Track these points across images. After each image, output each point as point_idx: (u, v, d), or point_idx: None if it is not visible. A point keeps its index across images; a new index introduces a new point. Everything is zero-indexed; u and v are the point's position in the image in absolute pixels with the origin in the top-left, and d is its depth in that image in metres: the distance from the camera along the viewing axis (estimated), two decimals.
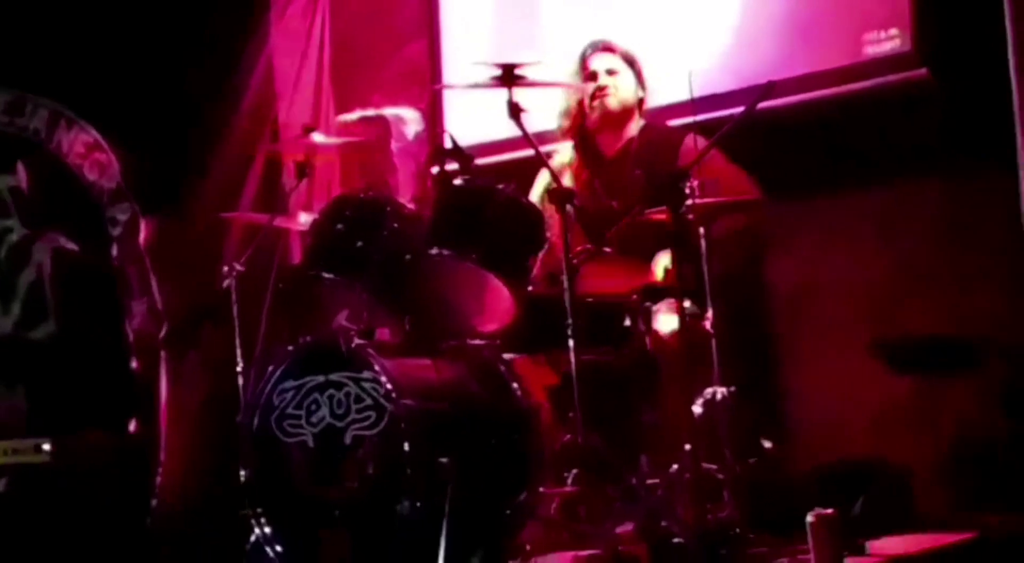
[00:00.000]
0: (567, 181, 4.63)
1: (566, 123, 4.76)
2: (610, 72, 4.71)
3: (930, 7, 4.61)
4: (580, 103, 4.72)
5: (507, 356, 4.15)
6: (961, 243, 4.61)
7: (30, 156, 6.09)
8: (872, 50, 4.73)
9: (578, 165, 4.75)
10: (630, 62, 4.72)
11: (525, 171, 4.73)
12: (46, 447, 4.97)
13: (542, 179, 4.73)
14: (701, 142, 4.18)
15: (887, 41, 4.70)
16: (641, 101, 4.74)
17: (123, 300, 5.97)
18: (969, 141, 4.53)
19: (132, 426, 5.80)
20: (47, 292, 6.02)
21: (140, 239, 5.97)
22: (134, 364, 5.89)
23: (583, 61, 4.72)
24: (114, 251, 6.04)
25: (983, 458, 4.42)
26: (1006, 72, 4.12)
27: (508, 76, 3.96)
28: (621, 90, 4.71)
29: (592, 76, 4.69)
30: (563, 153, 4.80)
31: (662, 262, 4.37)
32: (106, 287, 5.97)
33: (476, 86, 4.04)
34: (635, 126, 4.73)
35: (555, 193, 4.04)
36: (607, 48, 4.73)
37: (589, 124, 4.73)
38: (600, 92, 4.68)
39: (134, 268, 6.00)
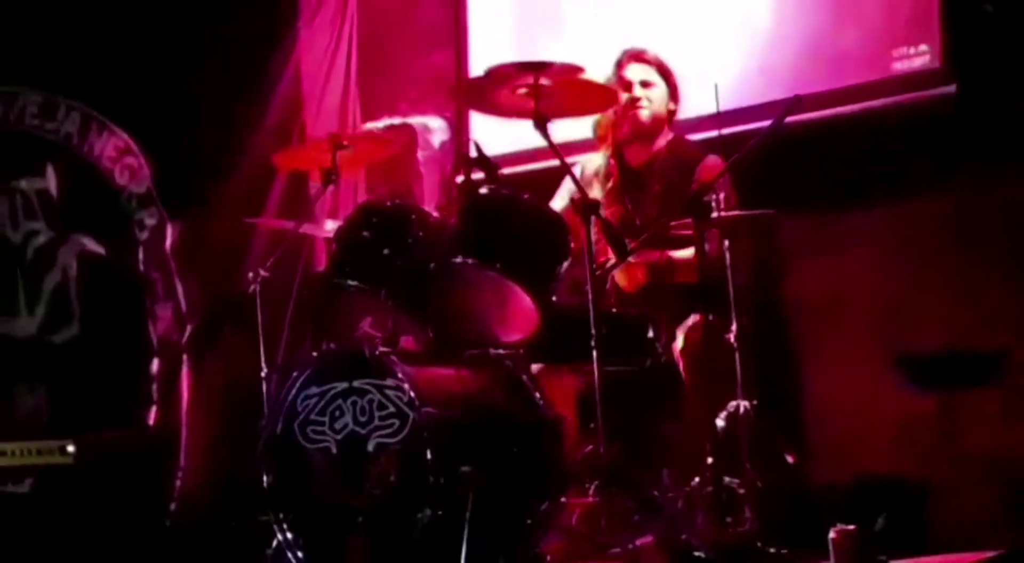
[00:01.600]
0: (596, 191, 4.63)
1: (600, 132, 4.74)
2: (645, 84, 4.69)
3: (960, 24, 4.60)
4: (615, 112, 4.70)
5: (532, 366, 4.15)
6: (983, 257, 4.60)
7: (60, 159, 6.12)
8: (901, 66, 4.73)
9: (607, 174, 4.74)
10: (665, 74, 4.70)
11: (551, 181, 4.74)
12: (70, 449, 4.99)
13: (565, 186, 4.73)
14: (721, 162, 4.19)
15: (916, 57, 4.69)
16: (672, 113, 4.73)
17: (148, 304, 5.99)
18: (993, 157, 4.52)
19: (153, 429, 5.82)
20: (72, 295, 6.05)
21: (167, 244, 6.00)
22: (155, 367, 5.91)
23: (618, 68, 4.70)
24: (140, 255, 6.06)
25: (1006, 473, 4.40)
26: None
27: (535, 85, 3.96)
28: (655, 103, 4.69)
29: (627, 86, 4.68)
30: (594, 161, 4.79)
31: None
32: (131, 291, 6.00)
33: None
34: (664, 139, 4.73)
35: (579, 204, 4.05)
36: (642, 58, 4.70)
37: (619, 135, 4.72)
38: (634, 104, 4.67)
39: (160, 273, 6.02)
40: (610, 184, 4.71)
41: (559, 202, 4.72)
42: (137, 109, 6.06)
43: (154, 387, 5.92)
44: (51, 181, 6.12)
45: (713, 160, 4.46)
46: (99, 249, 6.06)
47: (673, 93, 4.71)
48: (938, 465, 4.45)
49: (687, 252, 4.31)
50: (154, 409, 5.88)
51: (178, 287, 5.95)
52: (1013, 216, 4.48)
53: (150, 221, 6.07)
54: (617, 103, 4.57)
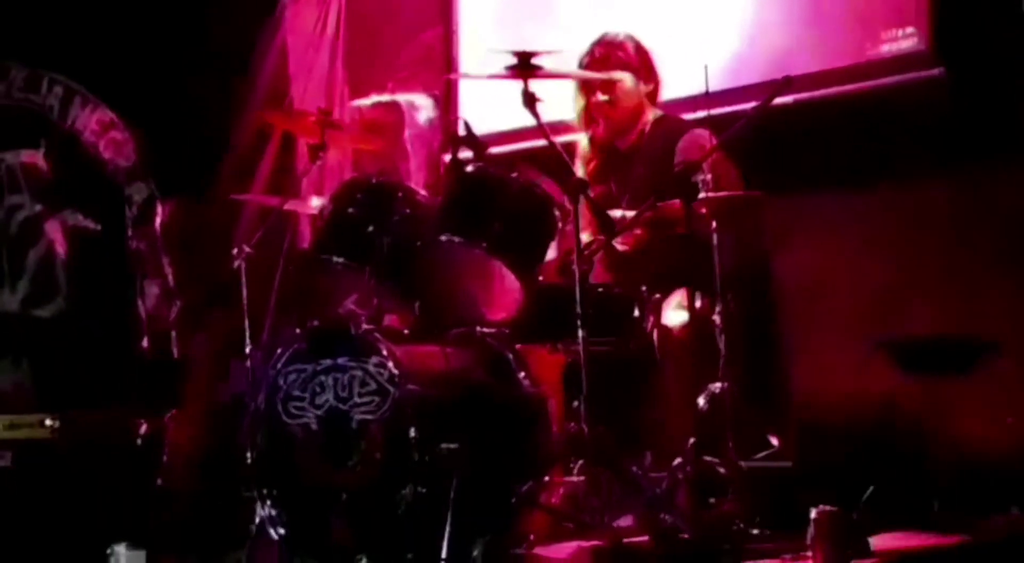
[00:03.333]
0: (580, 171, 4.62)
1: (580, 124, 4.71)
2: (605, 89, 4.60)
3: (947, 6, 4.60)
4: (589, 105, 4.65)
5: (517, 345, 4.15)
6: (970, 242, 4.60)
7: (47, 132, 6.10)
8: (888, 48, 4.72)
9: (591, 157, 4.73)
10: (626, 63, 4.62)
11: (540, 160, 4.73)
12: (48, 422, 4.97)
13: (579, 159, 4.72)
14: (712, 137, 4.17)
15: (904, 39, 4.69)
16: (651, 93, 4.70)
17: (137, 280, 5.98)
18: (981, 140, 4.52)
19: (137, 405, 5.80)
20: (57, 270, 6.03)
21: (157, 221, 5.98)
22: (144, 344, 5.90)
23: (583, 69, 4.63)
24: (129, 231, 6.04)
25: (988, 458, 4.41)
26: (1022, 72, 4.11)
27: (523, 65, 3.95)
28: (622, 100, 4.62)
29: (591, 92, 4.63)
30: (583, 143, 4.77)
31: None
32: (121, 267, 5.98)
33: (491, 77, 4.02)
34: (651, 116, 4.70)
35: (568, 183, 4.04)
36: (599, 57, 4.61)
37: (597, 132, 4.69)
38: (598, 112, 4.63)
39: (148, 249, 6.00)
40: (591, 166, 4.70)
41: (579, 171, 4.71)
42: (122, 85, 6.03)
43: (141, 363, 5.91)
44: (40, 154, 6.09)
45: (696, 134, 4.44)
46: (89, 224, 6.04)
47: (644, 75, 4.65)
48: (923, 449, 4.45)
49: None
50: (140, 385, 5.86)
51: (166, 264, 5.93)
52: (1002, 201, 4.48)
53: (138, 197, 6.05)
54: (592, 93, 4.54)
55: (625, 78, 4.61)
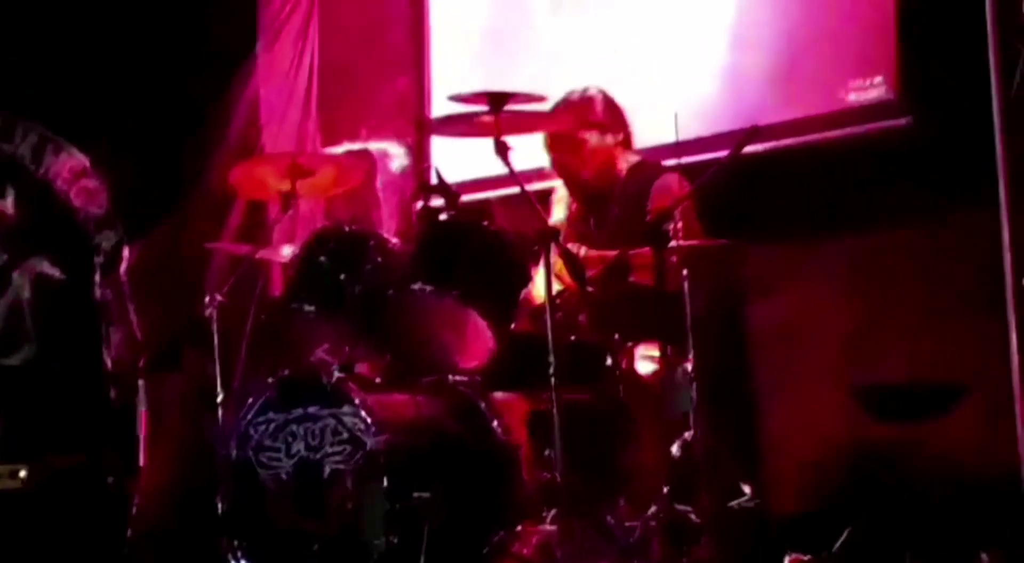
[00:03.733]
0: (562, 212, 4.61)
1: (554, 172, 4.74)
2: (572, 149, 4.62)
3: (915, 56, 4.65)
4: (557, 163, 4.67)
5: (490, 393, 4.15)
6: (940, 289, 4.63)
7: (17, 181, 6.07)
8: (856, 97, 4.77)
9: (571, 200, 4.74)
10: (592, 121, 4.63)
11: (512, 208, 4.74)
12: (22, 474, 4.93)
13: (559, 198, 4.73)
14: (683, 182, 4.19)
15: (872, 89, 4.73)
16: (622, 141, 4.72)
17: (103, 329, 5.94)
18: (949, 188, 4.56)
19: (108, 454, 5.76)
20: (27, 318, 5.99)
21: (122, 267, 5.95)
22: (112, 393, 5.86)
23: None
24: (97, 278, 6.01)
25: (961, 501, 4.42)
26: (989, 121, 4.15)
27: (495, 111, 3.96)
28: (588, 160, 4.64)
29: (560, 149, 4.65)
30: (562, 189, 4.79)
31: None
32: (88, 315, 5.94)
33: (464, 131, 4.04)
34: (625, 162, 4.72)
35: (539, 232, 4.05)
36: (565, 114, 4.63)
37: (572, 183, 4.71)
38: (568, 169, 4.65)
39: (114, 296, 5.97)
40: (574, 208, 4.72)
41: (559, 212, 4.72)
42: (94, 132, 6.02)
43: (109, 412, 5.86)
44: (9, 203, 6.06)
45: (668, 179, 4.46)
46: (56, 272, 6.01)
47: (613, 127, 4.67)
48: (895, 494, 4.46)
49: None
50: (109, 434, 5.82)
51: (131, 310, 5.90)
52: (969, 248, 4.51)
53: (106, 244, 6.03)
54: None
55: (591, 137, 4.63)
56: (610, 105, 4.68)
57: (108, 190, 5.96)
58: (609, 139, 4.66)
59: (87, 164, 6.06)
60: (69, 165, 6.04)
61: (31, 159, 6.04)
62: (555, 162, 4.70)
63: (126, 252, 5.89)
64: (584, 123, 4.61)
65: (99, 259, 5.96)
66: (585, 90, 4.69)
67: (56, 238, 5.99)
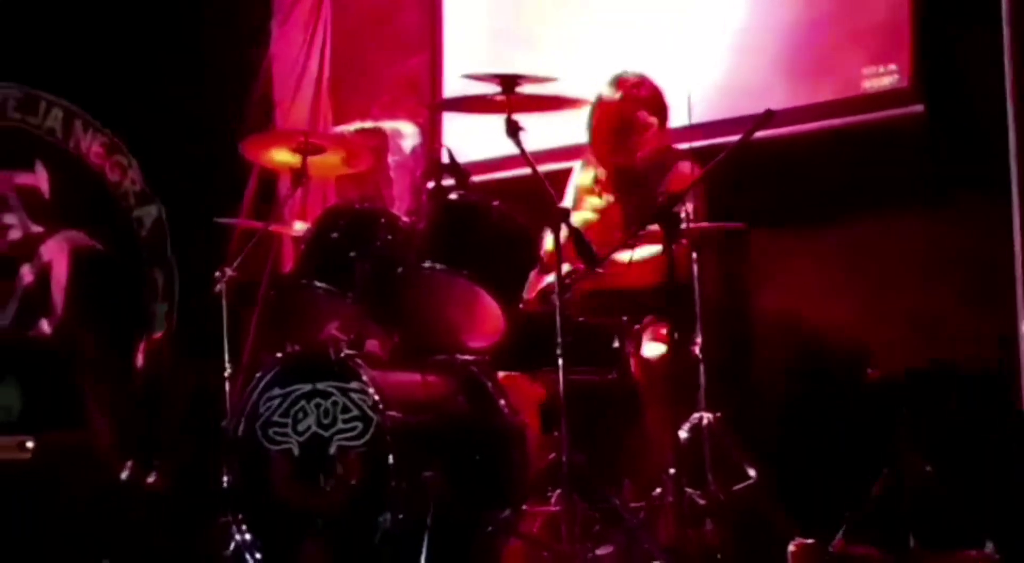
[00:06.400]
0: (594, 199, 4.61)
1: (595, 148, 4.69)
2: (639, 131, 4.59)
3: (929, 44, 4.64)
4: (617, 142, 4.62)
5: (498, 373, 4.15)
6: (947, 277, 4.63)
7: (47, 154, 6.10)
8: (870, 84, 4.76)
9: (605, 183, 4.70)
10: (648, 101, 4.61)
11: (523, 189, 4.74)
12: (29, 445, 4.95)
13: (573, 182, 4.72)
14: (696, 169, 4.19)
15: (885, 76, 4.73)
16: (659, 123, 4.69)
17: (147, 301, 5.97)
18: (960, 177, 4.56)
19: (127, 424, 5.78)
20: (52, 291, 6.02)
21: (168, 244, 5.97)
22: (140, 363, 5.88)
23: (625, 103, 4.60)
24: (143, 254, 6.04)
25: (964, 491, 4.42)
26: (1003, 110, 4.15)
27: (507, 92, 3.96)
28: (649, 143, 4.60)
29: (625, 125, 4.59)
30: (588, 172, 4.75)
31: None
32: (128, 288, 5.97)
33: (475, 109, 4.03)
34: (652, 145, 4.68)
35: (550, 212, 4.04)
36: (631, 96, 4.59)
37: (617, 160, 4.67)
38: (627, 148, 4.61)
39: (161, 272, 6.00)
40: (605, 180, 4.69)
41: (570, 198, 4.71)
42: (116, 108, 6.04)
43: (136, 383, 5.89)
44: (41, 176, 6.08)
45: (685, 166, 4.47)
46: (95, 244, 6.03)
47: (659, 111, 4.64)
48: (901, 478, 4.46)
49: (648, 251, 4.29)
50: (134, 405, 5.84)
51: (176, 287, 5.93)
52: (979, 236, 4.51)
53: (148, 219, 6.06)
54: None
55: (653, 121, 4.62)
56: (656, 89, 4.66)
57: (140, 166, 5.99)
58: (657, 122, 4.65)
59: (116, 140, 6.09)
60: (99, 140, 6.06)
61: (61, 133, 6.07)
62: (605, 140, 4.63)
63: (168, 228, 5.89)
64: (644, 101, 4.59)
65: (143, 233, 5.98)
66: (634, 73, 4.66)
67: (93, 212, 6.02)
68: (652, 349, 4.30)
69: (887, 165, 4.70)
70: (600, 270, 4.20)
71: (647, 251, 4.25)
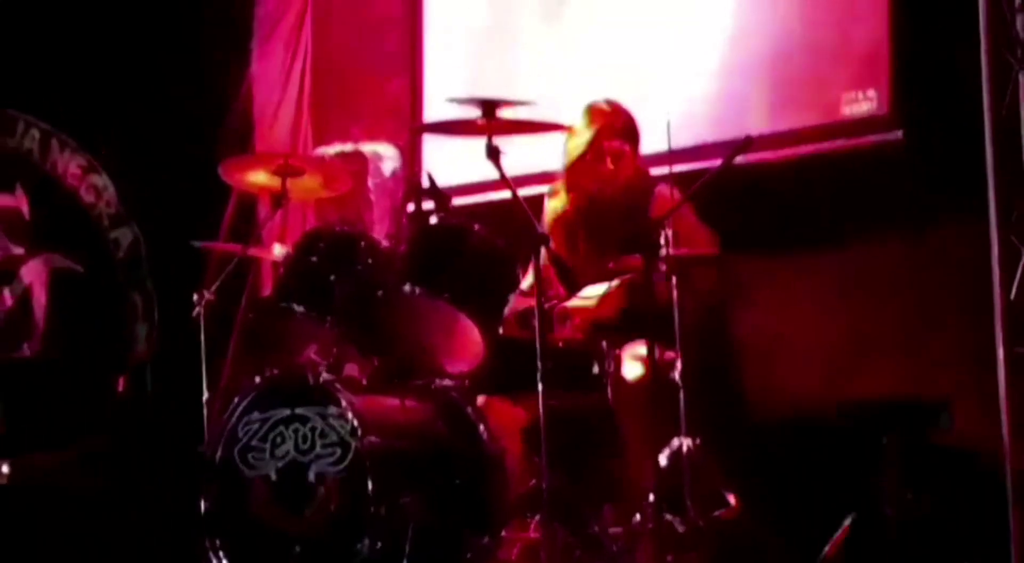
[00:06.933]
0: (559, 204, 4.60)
1: (567, 173, 4.66)
2: (616, 156, 4.54)
3: (908, 70, 4.66)
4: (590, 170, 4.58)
5: (477, 397, 4.14)
6: (927, 303, 4.64)
7: (24, 174, 6.07)
8: (849, 110, 4.78)
9: (569, 210, 4.69)
10: (626, 131, 4.58)
11: (503, 213, 4.73)
12: (4, 469, 4.92)
13: (549, 207, 4.71)
14: (675, 193, 4.19)
15: (864, 102, 4.74)
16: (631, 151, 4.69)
17: (129, 324, 5.94)
18: (939, 203, 4.57)
19: (107, 445, 5.75)
20: (34, 312, 5.99)
21: (145, 265, 5.95)
22: (121, 387, 5.85)
23: (596, 138, 4.54)
24: (120, 275, 6.02)
25: (946, 517, 4.43)
26: (981, 136, 4.16)
27: (487, 116, 3.96)
28: (624, 170, 4.56)
29: (600, 155, 4.54)
30: (559, 197, 4.72)
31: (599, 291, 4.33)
32: (106, 309, 5.94)
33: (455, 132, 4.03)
34: (625, 172, 4.68)
35: (529, 237, 4.04)
36: (615, 126, 4.55)
37: (587, 186, 4.62)
38: (599, 175, 4.58)
39: (140, 294, 5.98)
40: (570, 210, 4.67)
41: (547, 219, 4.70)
42: (92, 130, 6.02)
43: (114, 405, 5.86)
44: (21, 198, 6.06)
45: (664, 190, 4.46)
46: (73, 266, 6.01)
47: (632, 139, 4.61)
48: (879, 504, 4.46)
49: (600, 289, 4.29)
50: (113, 427, 5.80)
51: (155, 309, 5.91)
52: (958, 262, 4.52)
53: (125, 240, 6.04)
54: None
55: (627, 150, 4.58)
56: (629, 116, 4.65)
57: (116, 187, 5.96)
58: (630, 149, 4.62)
59: (92, 161, 6.07)
60: (76, 161, 6.04)
61: (38, 154, 6.05)
62: (580, 169, 4.59)
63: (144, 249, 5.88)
64: (620, 130, 4.58)
65: (120, 254, 5.96)
66: (608, 100, 4.64)
67: (70, 233, 6.00)
68: (632, 370, 4.29)
69: (866, 190, 4.71)
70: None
71: (599, 289, 4.26)
